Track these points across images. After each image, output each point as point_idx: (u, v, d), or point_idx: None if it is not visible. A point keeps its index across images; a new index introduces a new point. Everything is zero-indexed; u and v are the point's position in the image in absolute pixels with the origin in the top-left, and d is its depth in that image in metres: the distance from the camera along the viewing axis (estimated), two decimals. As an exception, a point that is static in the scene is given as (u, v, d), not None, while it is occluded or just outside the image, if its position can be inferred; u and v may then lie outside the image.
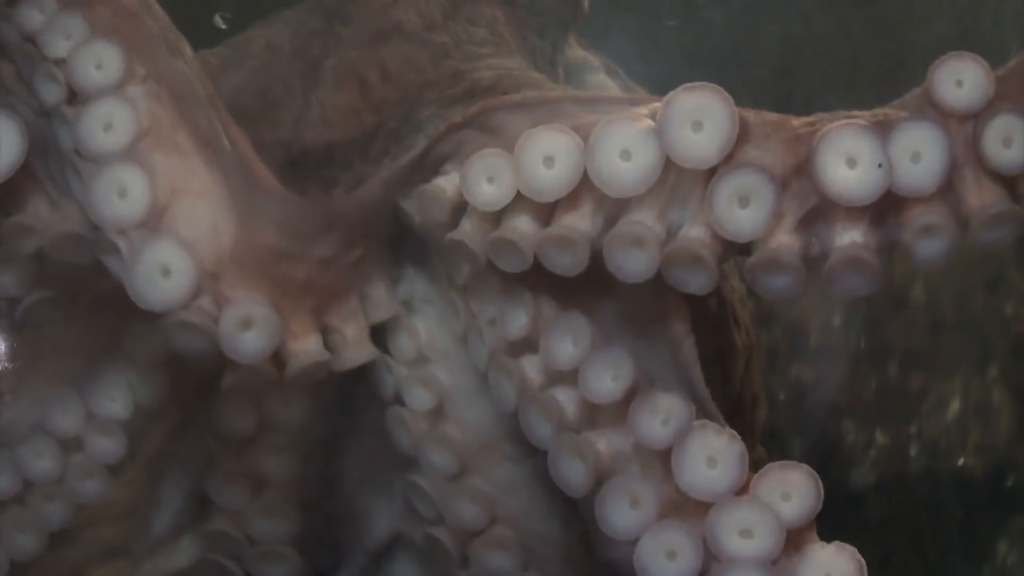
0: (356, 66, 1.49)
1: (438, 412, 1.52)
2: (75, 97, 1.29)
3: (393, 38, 1.52)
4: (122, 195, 1.26)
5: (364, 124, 1.45)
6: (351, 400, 1.58)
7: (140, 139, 1.27)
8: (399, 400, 1.52)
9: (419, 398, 1.51)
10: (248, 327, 1.29)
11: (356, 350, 1.43)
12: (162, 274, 1.25)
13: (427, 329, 1.53)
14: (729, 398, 1.68)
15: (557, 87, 1.47)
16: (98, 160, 1.26)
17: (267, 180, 1.31)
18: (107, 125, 1.27)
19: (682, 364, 1.33)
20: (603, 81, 1.78)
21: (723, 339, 1.62)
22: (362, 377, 1.52)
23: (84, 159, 1.27)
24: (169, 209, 1.27)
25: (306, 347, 1.35)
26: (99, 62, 1.28)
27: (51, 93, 1.31)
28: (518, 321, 1.37)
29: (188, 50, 1.37)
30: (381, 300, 1.47)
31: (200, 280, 1.26)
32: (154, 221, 1.26)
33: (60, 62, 1.29)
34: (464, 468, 1.52)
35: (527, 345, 1.37)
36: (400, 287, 1.51)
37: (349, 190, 1.42)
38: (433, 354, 1.53)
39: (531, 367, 1.36)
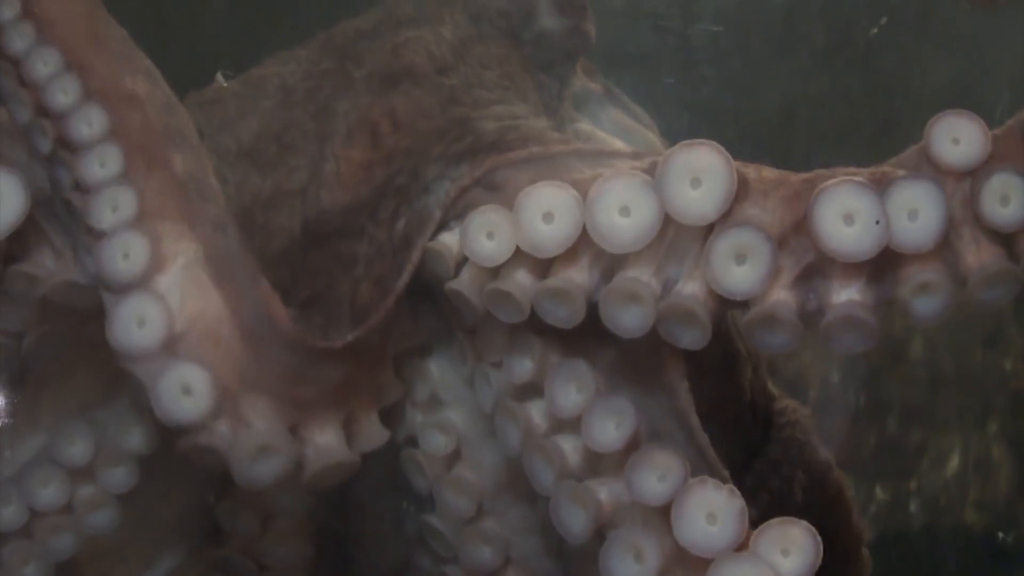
0: (368, 114, 1.48)
1: (455, 455, 1.51)
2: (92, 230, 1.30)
3: (404, 82, 1.51)
4: (140, 325, 1.26)
5: (375, 179, 1.44)
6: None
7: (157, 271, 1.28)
8: (414, 442, 1.52)
9: (435, 442, 1.51)
10: (264, 453, 1.29)
11: (369, 439, 1.43)
12: (183, 392, 1.26)
13: (440, 371, 1.53)
14: (741, 403, 1.67)
15: (560, 137, 1.47)
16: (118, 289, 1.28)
17: (283, 320, 1.30)
18: (125, 254, 1.28)
19: (680, 412, 1.32)
20: (610, 115, 1.77)
21: (728, 347, 1.62)
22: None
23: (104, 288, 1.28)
24: (188, 335, 1.27)
25: (325, 445, 1.35)
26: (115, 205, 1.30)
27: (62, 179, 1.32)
28: (523, 366, 1.37)
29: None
30: (391, 385, 1.48)
31: (219, 401, 1.26)
32: (172, 346, 1.27)
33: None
34: (480, 510, 1.51)
35: (532, 390, 1.37)
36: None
37: (368, 266, 1.41)
38: (447, 397, 1.53)
39: (536, 412, 1.36)
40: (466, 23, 1.62)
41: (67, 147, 1.30)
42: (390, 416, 1.51)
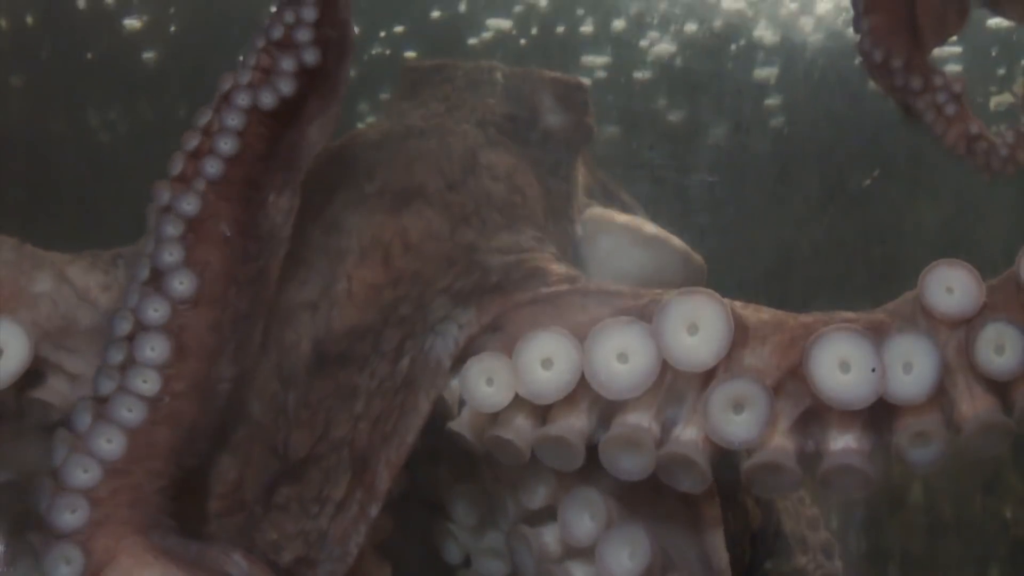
0: (382, 234, 1.48)
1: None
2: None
3: (415, 201, 1.51)
4: None
5: (383, 301, 1.44)
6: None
7: None
8: (468, 564, 1.50)
9: (491, 567, 1.49)
10: None
11: None
12: None
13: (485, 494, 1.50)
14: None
15: (563, 274, 1.46)
16: None
17: None
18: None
19: (706, 553, 1.31)
20: (616, 245, 1.75)
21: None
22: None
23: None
24: None
25: None
26: None
27: None
28: (538, 493, 1.36)
29: None
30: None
31: None
32: None
33: None
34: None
35: (547, 514, 1.35)
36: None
37: (368, 402, 1.39)
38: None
39: (550, 536, 1.35)
40: (474, 131, 1.63)
41: None
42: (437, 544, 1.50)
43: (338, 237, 1.49)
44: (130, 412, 1.19)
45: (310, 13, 1.32)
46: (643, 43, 4.47)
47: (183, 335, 1.23)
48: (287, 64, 1.29)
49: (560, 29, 4.49)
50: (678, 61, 4.49)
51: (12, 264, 1.35)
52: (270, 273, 1.36)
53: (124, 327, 1.22)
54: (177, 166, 1.26)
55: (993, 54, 4.13)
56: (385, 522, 1.40)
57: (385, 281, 1.43)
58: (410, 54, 3.88)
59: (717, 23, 4.51)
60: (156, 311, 1.22)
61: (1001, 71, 4.04)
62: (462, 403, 1.34)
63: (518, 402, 1.26)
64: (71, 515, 1.21)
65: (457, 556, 1.50)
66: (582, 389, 1.24)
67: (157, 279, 1.23)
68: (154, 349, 1.21)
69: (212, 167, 1.27)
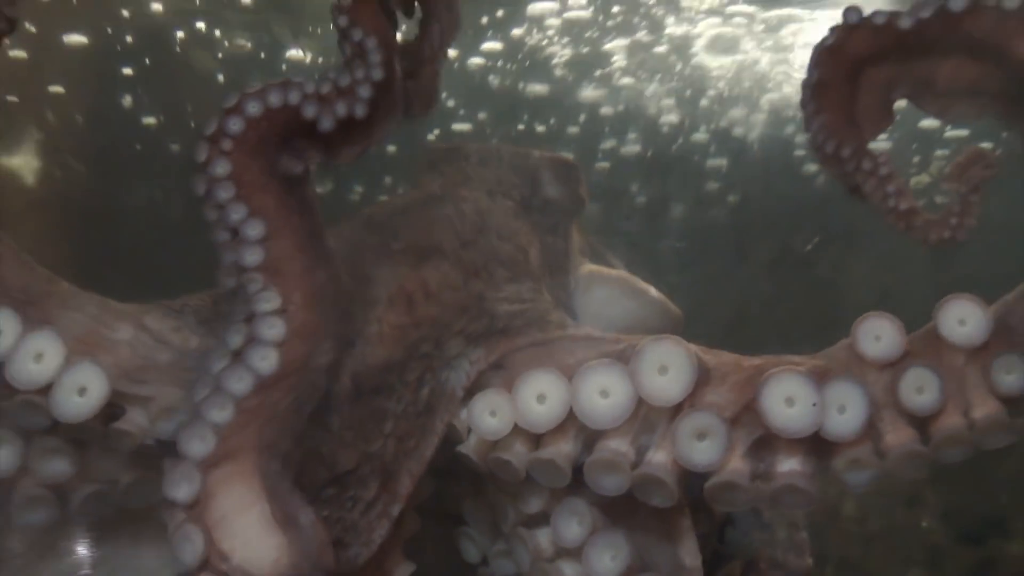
0: (406, 284, 1.47)
1: None
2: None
3: (434, 257, 1.50)
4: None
5: (407, 340, 1.43)
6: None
7: None
8: (487, 564, 1.47)
9: (504, 567, 1.45)
10: None
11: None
12: None
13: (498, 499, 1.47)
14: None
15: (556, 321, 1.45)
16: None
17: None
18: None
19: (679, 557, 1.29)
20: (609, 295, 1.74)
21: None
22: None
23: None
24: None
25: None
26: None
27: None
28: (534, 502, 1.34)
29: None
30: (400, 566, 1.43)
31: None
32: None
33: None
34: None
35: (542, 519, 1.33)
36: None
37: (396, 423, 1.39)
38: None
39: (544, 539, 1.33)
40: (484, 199, 1.62)
41: None
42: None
43: (370, 287, 1.50)
44: (263, 360, 1.19)
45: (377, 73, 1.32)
46: (611, 141, 4.53)
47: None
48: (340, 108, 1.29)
49: (541, 128, 4.55)
50: (649, 153, 4.54)
51: (95, 317, 1.35)
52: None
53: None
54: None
55: (913, 147, 4.17)
56: (412, 523, 1.39)
57: (409, 323, 1.43)
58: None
59: (685, 120, 4.56)
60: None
61: (917, 159, 4.09)
62: (470, 430, 1.33)
63: (516, 430, 1.26)
64: (200, 443, 1.20)
65: (475, 556, 1.48)
66: (570, 420, 1.24)
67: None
68: (272, 327, 1.22)
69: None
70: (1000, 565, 3.89)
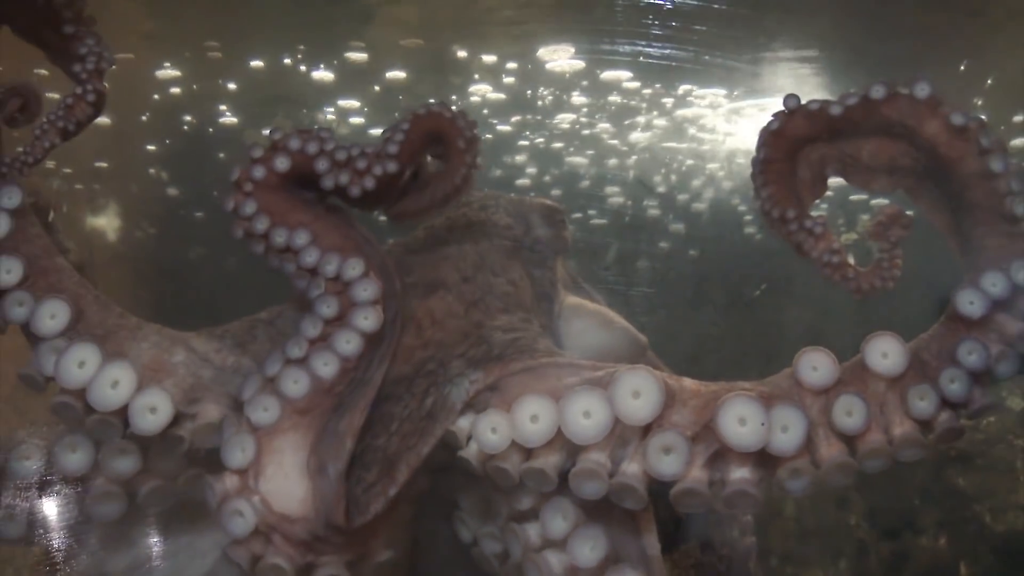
0: (415, 313, 1.46)
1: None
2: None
3: (439, 290, 1.49)
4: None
5: (416, 359, 1.42)
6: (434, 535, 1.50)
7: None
8: (477, 544, 1.43)
9: (490, 546, 1.42)
10: None
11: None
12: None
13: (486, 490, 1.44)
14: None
15: (544, 348, 1.43)
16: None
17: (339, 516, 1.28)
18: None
19: (644, 548, 1.27)
20: (586, 327, 1.73)
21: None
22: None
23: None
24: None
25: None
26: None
27: None
28: (525, 500, 1.32)
29: None
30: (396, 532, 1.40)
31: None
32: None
33: None
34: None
35: (532, 514, 1.31)
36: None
37: (400, 425, 1.37)
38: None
39: (533, 532, 1.30)
40: (483, 240, 1.60)
41: None
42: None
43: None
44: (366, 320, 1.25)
45: (393, 148, 1.36)
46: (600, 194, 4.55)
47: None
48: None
49: (522, 181, 4.59)
50: (627, 218, 4.57)
51: (156, 343, 1.34)
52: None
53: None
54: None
55: (840, 213, 4.20)
56: (405, 512, 1.38)
57: (418, 345, 1.42)
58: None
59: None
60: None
61: (840, 221, 4.11)
62: (469, 437, 1.30)
63: (513, 444, 1.24)
64: (264, 412, 1.23)
65: (468, 537, 1.45)
66: (558, 436, 1.22)
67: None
68: (366, 289, 1.29)
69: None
70: (912, 555, 3.90)
